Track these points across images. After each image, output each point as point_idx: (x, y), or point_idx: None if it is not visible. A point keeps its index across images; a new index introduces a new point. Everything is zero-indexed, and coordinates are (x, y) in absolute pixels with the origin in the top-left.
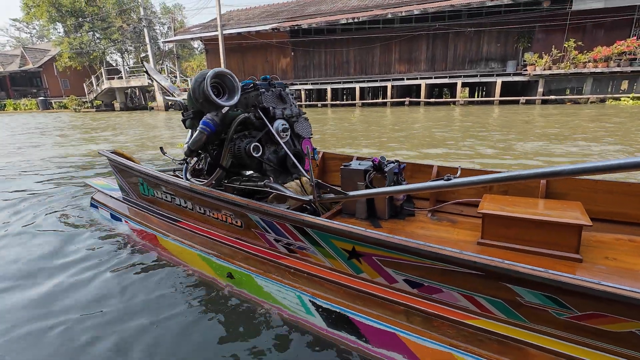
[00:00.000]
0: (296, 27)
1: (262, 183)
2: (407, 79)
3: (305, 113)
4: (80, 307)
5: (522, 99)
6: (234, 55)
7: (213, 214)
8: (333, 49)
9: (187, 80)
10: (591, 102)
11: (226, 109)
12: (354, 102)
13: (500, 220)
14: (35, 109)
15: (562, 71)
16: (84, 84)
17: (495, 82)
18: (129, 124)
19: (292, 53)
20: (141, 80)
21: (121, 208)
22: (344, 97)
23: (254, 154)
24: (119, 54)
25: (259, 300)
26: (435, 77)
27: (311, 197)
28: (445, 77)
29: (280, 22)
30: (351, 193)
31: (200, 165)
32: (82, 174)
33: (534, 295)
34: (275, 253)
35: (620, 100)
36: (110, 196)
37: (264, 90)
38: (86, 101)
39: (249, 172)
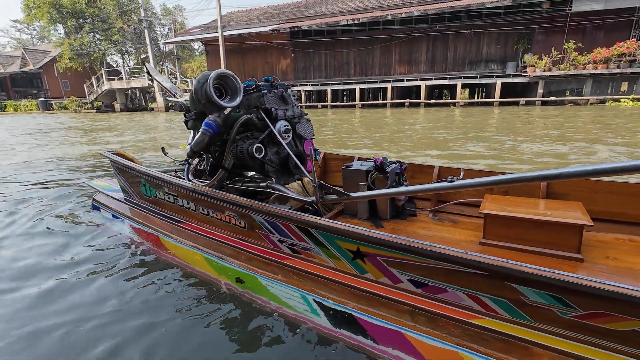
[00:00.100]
0: (296, 29)
1: (265, 184)
2: (407, 80)
3: (307, 114)
4: (83, 308)
5: (522, 100)
6: (234, 56)
7: (216, 215)
8: (333, 50)
9: (187, 82)
10: (591, 104)
11: (228, 110)
12: (354, 103)
13: (501, 220)
14: (35, 110)
15: (561, 72)
16: (85, 85)
17: (495, 83)
18: (129, 125)
19: (292, 54)
20: (141, 82)
21: (123, 209)
22: (344, 99)
23: (257, 155)
24: (119, 55)
25: (263, 301)
26: (435, 79)
27: (313, 198)
28: (445, 78)
29: (281, 23)
30: (354, 194)
31: (202, 166)
32: (83, 174)
33: (539, 294)
34: (279, 254)
35: (620, 101)
36: (112, 197)
37: (266, 91)
38: (86, 102)
39: (250, 173)
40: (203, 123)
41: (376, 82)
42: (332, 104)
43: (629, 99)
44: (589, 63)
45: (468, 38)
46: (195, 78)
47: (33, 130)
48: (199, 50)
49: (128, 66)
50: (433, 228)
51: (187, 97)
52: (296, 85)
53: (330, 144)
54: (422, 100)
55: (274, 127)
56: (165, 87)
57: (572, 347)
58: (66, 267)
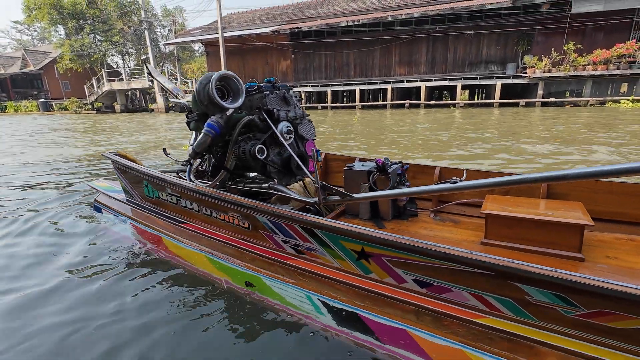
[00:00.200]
0: (296, 30)
1: (267, 185)
2: (407, 81)
3: (308, 115)
4: (86, 309)
5: (522, 101)
6: (235, 57)
7: (219, 215)
8: (333, 51)
9: (187, 83)
10: (591, 105)
11: (231, 111)
12: (354, 104)
13: (503, 220)
14: (35, 111)
15: (561, 74)
16: (85, 86)
17: (495, 84)
18: (129, 125)
19: (292, 55)
20: (142, 83)
21: (125, 210)
22: (344, 100)
23: (259, 156)
24: (119, 56)
25: (268, 301)
26: (435, 80)
27: (316, 199)
28: (445, 79)
29: (281, 24)
30: (357, 195)
31: (204, 167)
32: (83, 175)
33: (543, 294)
34: (283, 254)
35: (620, 103)
36: (114, 198)
37: (268, 92)
38: (87, 103)
39: (252, 174)
40: (205, 124)
41: (376, 83)
42: (332, 105)
43: (628, 100)
44: (588, 64)
45: (468, 39)
46: (195, 79)
47: (33, 131)
48: (199, 52)
49: (128, 67)
50: (435, 228)
51: (189, 98)
52: (296, 86)
53: (332, 147)
54: (422, 101)
55: (276, 128)
56: (167, 88)
57: (576, 346)
58: (69, 267)
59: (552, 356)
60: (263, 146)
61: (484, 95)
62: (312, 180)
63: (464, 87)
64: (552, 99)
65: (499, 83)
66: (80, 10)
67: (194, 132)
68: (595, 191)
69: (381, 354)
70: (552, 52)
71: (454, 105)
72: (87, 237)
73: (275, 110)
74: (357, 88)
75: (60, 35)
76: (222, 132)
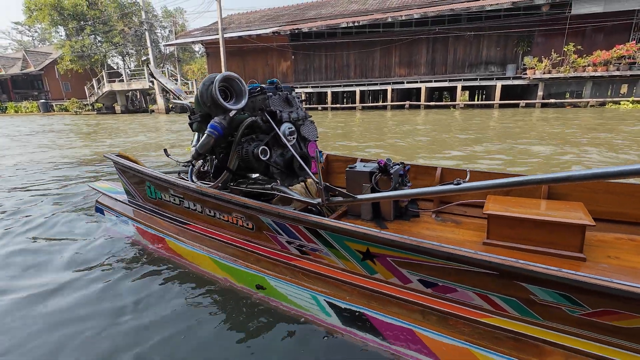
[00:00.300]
0: (297, 31)
1: (270, 186)
2: (407, 82)
3: (311, 116)
4: (90, 310)
5: (522, 102)
6: (235, 58)
7: (223, 216)
8: (333, 52)
9: (187, 84)
10: (591, 106)
11: (233, 112)
12: (354, 105)
13: (505, 221)
14: (36, 112)
15: (561, 75)
16: (85, 87)
17: (495, 85)
18: (130, 126)
19: (293, 56)
20: (142, 83)
21: (127, 211)
22: (344, 101)
23: (262, 157)
24: (120, 57)
25: (273, 301)
26: (435, 81)
27: (319, 200)
28: (445, 80)
29: (281, 25)
30: (360, 196)
31: (206, 168)
32: (84, 176)
33: (548, 293)
34: (288, 255)
35: (620, 104)
36: (115, 199)
37: (271, 93)
38: (87, 104)
39: (255, 175)
40: (208, 125)
41: (376, 84)
42: (332, 106)
43: (628, 101)
44: (588, 65)
45: (468, 40)
46: (195, 80)
47: (33, 132)
48: (200, 53)
49: (129, 68)
50: (437, 229)
51: (191, 99)
52: (296, 87)
53: (333, 148)
54: (422, 102)
55: (279, 130)
56: (169, 89)
57: (582, 345)
58: (71, 268)
59: (557, 355)
60: (266, 147)
61: (484, 96)
62: (315, 182)
63: (464, 88)
64: (552, 100)
65: (499, 84)
66: (80, 12)
67: (197, 133)
68: (595, 191)
69: (388, 354)
70: (552, 53)
71: (454, 106)
72: (89, 238)
73: (278, 112)
74: (357, 89)
75: (61, 36)
76: (225, 133)
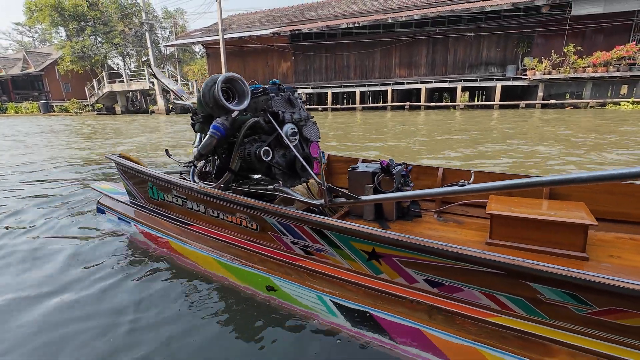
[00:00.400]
0: (297, 32)
1: (272, 187)
2: (408, 83)
3: (313, 117)
4: (94, 312)
5: (522, 103)
6: (235, 59)
7: (227, 217)
8: (333, 53)
9: (187, 84)
10: (591, 107)
11: (236, 113)
12: (354, 106)
13: (508, 221)
14: (36, 112)
15: (561, 76)
16: (86, 88)
17: (495, 86)
18: (130, 127)
19: (293, 57)
20: (142, 84)
21: (129, 212)
22: (344, 101)
23: (265, 158)
24: (120, 58)
25: (278, 301)
26: (436, 82)
27: (322, 201)
28: (446, 81)
29: (281, 26)
30: (363, 197)
31: (207, 168)
32: (85, 177)
33: (555, 292)
34: (292, 255)
35: (620, 105)
36: (117, 200)
37: (273, 94)
38: (87, 105)
39: (257, 176)
40: (211, 126)
41: (376, 85)
42: (333, 106)
43: (628, 102)
44: (588, 66)
45: (468, 41)
46: (196, 80)
47: (34, 133)
48: (200, 53)
49: (129, 69)
50: (439, 229)
51: (194, 99)
52: (297, 88)
53: (334, 148)
54: (422, 103)
55: (282, 130)
56: (172, 90)
57: (588, 343)
58: (73, 269)
59: (564, 354)
60: (268, 148)
61: (484, 97)
62: (318, 182)
63: (464, 88)
64: (552, 101)
65: (499, 85)
66: (81, 12)
67: (199, 134)
68: (595, 191)
69: (396, 353)
70: (552, 54)
71: (454, 107)
72: (90, 238)
73: (280, 112)
74: (358, 90)
75: (61, 36)
76: (228, 134)
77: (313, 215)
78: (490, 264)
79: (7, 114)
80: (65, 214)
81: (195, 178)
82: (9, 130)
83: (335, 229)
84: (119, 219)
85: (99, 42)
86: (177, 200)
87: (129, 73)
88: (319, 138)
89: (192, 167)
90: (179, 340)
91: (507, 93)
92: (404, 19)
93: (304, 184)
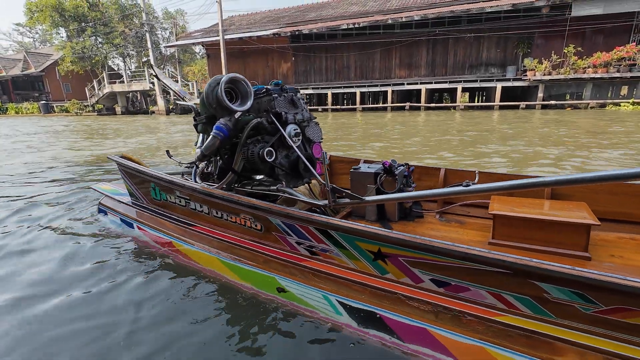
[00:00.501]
0: (297, 33)
1: (275, 187)
2: (408, 83)
3: (315, 117)
4: (97, 313)
5: (522, 104)
6: (235, 60)
7: (231, 217)
8: (334, 54)
9: (188, 85)
10: (591, 108)
11: (239, 114)
12: (354, 106)
13: (511, 221)
14: (36, 113)
15: (561, 76)
16: (86, 88)
17: (495, 87)
18: (130, 127)
19: (293, 58)
20: (142, 85)
21: (131, 213)
22: (345, 102)
23: (268, 159)
24: (120, 59)
25: (284, 302)
26: (436, 82)
27: (326, 201)
28: (446, 82)
29: (282, 27)
30: (367, 198)
31: (209, 169)
32: (86, 178)
33: (561, 291)
34: (297, 256)
35: (620, 105)
36: (119, 201)
37: (276, 95)
38: (87, 105)
39: (259, 177)
40: (214, 127)
41: (376, 85)
42: (333, 107)
43: (629, 103)
44: (588, 67)
45: (468, 42)
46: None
47: (34, 133)
48: (200, 54)
49: (129, 69)
50: (442, 229)
51: (196, 100)
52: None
53: (334, 148)
54: (423, 103)
55: (284, 131)
56: (174, 91)
57: (595, 342)
58: (77, 271)
59: (570, 352)
60: (271, 149)
61: (484, 97)
62: (321, 183)
63: (464, 89)
64: (553, 102)
65: (499, 86)
66: (81, 13)
67: (201, 135)
68: (596, 192)
69: (403, 353)
70: (552, 54)
71: (454, 107)
72: (93, 240)
73: (283, 113)
74: (358, 90)
75: (62, 37)
76: (231, 135)
77: (318, 215)
78: (497, 264)
79: (7, 115)
80: (66, 215)
81: (197, 179)
82: (10, 130)
83: (341, 229)
84: (121, 220)
85: (100, 42)
86: (180, 201)
87: (130, 74)
88: (322, 139)
89: (194, 167)
90: (182, 340)
91: (507, 94)
92: (404, 19)
93: (306, 184)
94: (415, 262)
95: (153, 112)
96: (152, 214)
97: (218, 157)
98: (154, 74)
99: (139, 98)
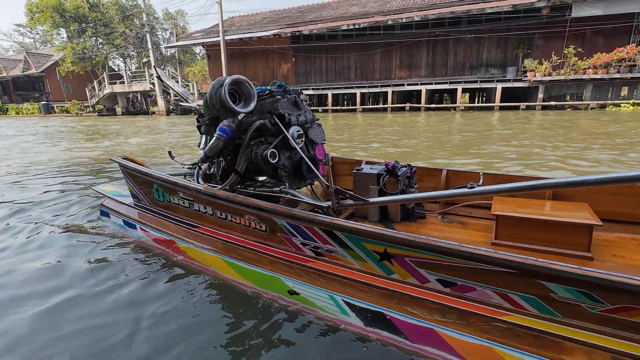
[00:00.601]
0: (297, 33)
1: (278, 188)
2: (408, 84)
3: (318, 119)
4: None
5: (523, 104)
6: (236, 60)
7: (235, 218)
8: (334, 54)
9: (188, 86)
10: (591, 108)
11: (242, 115)
12: (354, 107)
13: (514, 221)
14: (37, 113)
15: (562, 77)
16: (86, 89)
17: (496, 87)
18: (131, 128)
19: (293, 59)
20: (143, 85)
21: (134, 214)
22: (345, 103)
23: (271, 160)
24: (121, 59)
25: (290, 302)
26: (436, 83)
27: (329, 202)
28: (446, 82)
29: (282, 28)
30: (372, 200)
31: (212, 170)
32: (88, 179)
33: (568, 291)
34: (302, 257)
35: (620, 106)
36: (121, 202)
37: (279, 97)
38: (88, 106)
39: (262, 178)
40: (218, 128)
41: (377, 86)
42: (333, 108)
43: (629, 103)
44: (589, 68)
45: (468, 43)
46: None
47: (34, 134)
48: (201, 55)
49: (130, 70)
50: (444, 230)
51: (199, 101)
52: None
53: (335, 148)
54: (423, 104)
55: (288, 132)
56: (177, 92)
57: (602, 341)
58: (81, 272)
59: (577, 351)
60: (275, 150)
61: (484, 98)
62: (325, 184)
63: (464, 90)
64: (553, 103)
65: (499, 86)
66: (82, 14)
67: (204, 136)
68: (597, 192)
69: (410, 352)
70: (553, 55)
71: (454, 108)
72: (96, 241)
73: (286, 115)
74: (358, 91)
75: (62, 38)
76: (234, 136)
77: (324, 216)
78: (505, 264)
79: (8, 115)
80: (67, 216)
81: (200, 180)
82: (11, 130)
83: (346, 230)
84: (124, 221)
85: (100, 43)
86: (183, 202)
87: (130, 74)
88: (324, 140)
89: (197, 169)
90: (187, 340)
91: (507, 94)
92: (404, 20)
93: (309, 185)
94: (421, 262)
95: (153, 113)
96: (155, 215)
97: (221, 159)
98: (157, 75)
99: (139, 99)
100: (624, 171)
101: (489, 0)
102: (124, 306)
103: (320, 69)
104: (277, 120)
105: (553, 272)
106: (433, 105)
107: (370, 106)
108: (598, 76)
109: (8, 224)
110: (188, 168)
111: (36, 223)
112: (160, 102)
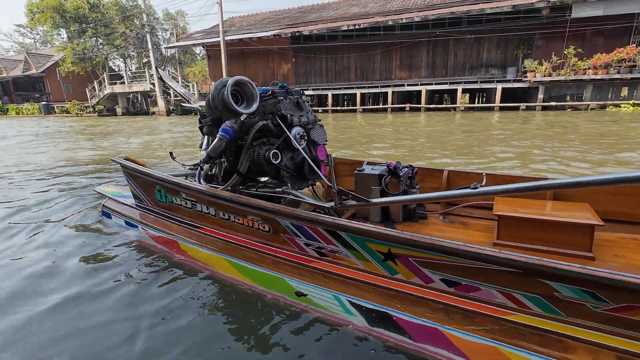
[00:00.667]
0: (297, 34)
1: (281, 189)
2: (408, 85)
3: (320, 120)
4: (103, 314)
5: (523, 105)
6: (236, 61)
7: (238, 219)
8: (334, 55)
9: (188, 86)
10: (591, 109)
11: (244, 116)
12: (354, 107)
13: (516, 222)
14: (37, 114)
15: (562, 78)
16: (87, 89)
17: (496, 88)
18: (131, 128)
19: (294, 59)
20: (143, 85)
21: (136, 215)
22: (345, 103)
23: (274, 161)
24: (121, 60)
25: (294, 302)
26: (436, 83)
27: (332, 203)
28: (446, 83)
29: (282, 28)
30: (374, 200)
31: (214, 171)
32: (89, 180)
33: (572, 290)
34: (306, 257)
35: (620, 107)
36: (123, 203)
37: (282, 97)
38: (88, 106)
39: (264, 178)
40: (220, 129)
41: (377, 86)
42: (333, 108)
43: (629, 104)
44: (589, 68)
45: (468, 43)
46: (196, 82)
47: (35, 134)
48: (201, 55)
49: (130, 70)
50: (446, 230)
51: (201, 102)
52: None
53: (335, 148)
54: (423, 105)
55: (290, 133)
56: (180, 93)
57: (606, 340)
58: (84, 273)
59: (582, 350)
60: (277, 151)
61: (484, 99)
62: (328, 185)
63: (464, 90)
64: (553, 103)
65: (499, 87)
66: (82, 14)
67: (207, 137)
68: (598, 192)
69: (415, 352)
70: (553, 56)
71: (454, 109)
72: (98, 243)
73: (288, 116)
74: (358, 92)
75: (63, 38)
76: (236, 137)
77: (327, 216)
78: (509, 264)
79: (8, 115)
80: (69, 218)
81: (202, 180)
82: (11, 131)
83: (350, 230)
84: (126, 222)
85: (100, 43)
86: (186, 203)
87: (130, 74)
88: (326, 141)
89: (199, 169)
90: (189, 339)
91: (507, 95)
92: (404, 21)
93: (310, 186)
94: (425, 262)
95: (153, 113)
96: (157, 216)
97: (223, 159)
98: (159, 76)
99: (139, 99)
100: (625, 172)
101: (489, 1)
102: (125, 306)
103: (321, 70)
104: (280, 121)
105: (557, 272)
106: (433, 106)
107: (370, 106)
108: (598, 77)
109: (9, 223)
110: (189, 169)
111: (36, 223)
112: (161, 103)
